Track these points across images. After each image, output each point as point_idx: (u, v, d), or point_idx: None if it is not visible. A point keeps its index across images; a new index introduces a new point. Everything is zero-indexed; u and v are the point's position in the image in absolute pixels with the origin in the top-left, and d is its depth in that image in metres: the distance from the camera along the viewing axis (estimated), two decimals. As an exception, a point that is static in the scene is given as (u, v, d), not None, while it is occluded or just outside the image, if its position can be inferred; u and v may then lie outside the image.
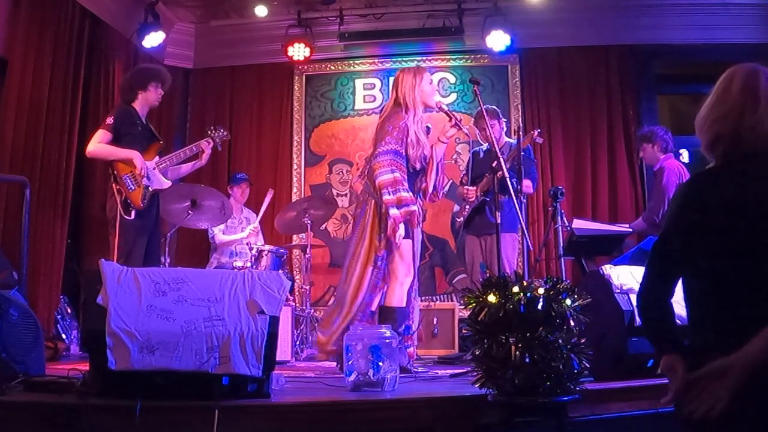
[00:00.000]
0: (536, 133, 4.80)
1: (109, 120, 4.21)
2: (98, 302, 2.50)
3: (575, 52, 6.41)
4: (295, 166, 6.69)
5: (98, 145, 4.16)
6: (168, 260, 4.85)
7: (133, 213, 4.11)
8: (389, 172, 3.53)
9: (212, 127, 4.70)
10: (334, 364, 3.73)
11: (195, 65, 6.90)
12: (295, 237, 6.30)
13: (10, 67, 4.80)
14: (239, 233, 5.61)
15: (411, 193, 3.58)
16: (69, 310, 5.02)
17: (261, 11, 6.29)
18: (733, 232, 1.52)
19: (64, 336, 4.82)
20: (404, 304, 3.63)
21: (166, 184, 4.33)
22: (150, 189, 4.21)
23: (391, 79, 6.62)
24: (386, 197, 3.51)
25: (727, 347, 1.46)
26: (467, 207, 4.95)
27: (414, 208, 3.55)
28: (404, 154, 3.60)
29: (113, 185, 4.14)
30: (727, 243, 1.53)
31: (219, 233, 5.58)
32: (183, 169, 4.56)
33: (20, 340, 2.74)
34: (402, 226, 3.52)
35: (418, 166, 3.68)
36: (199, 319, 2.50)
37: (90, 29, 5.48)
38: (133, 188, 4.13)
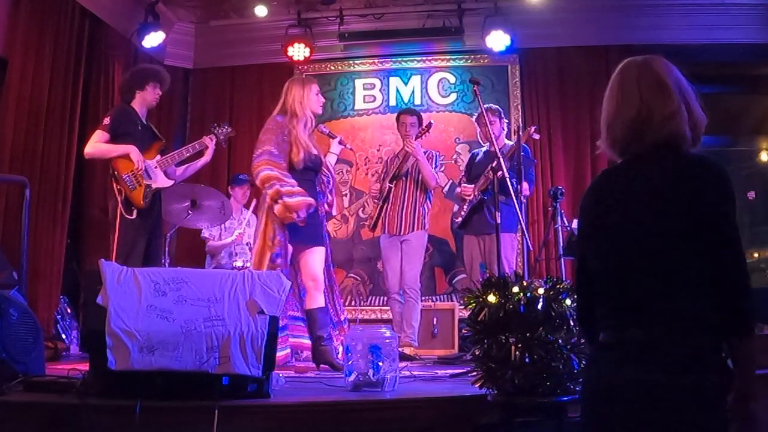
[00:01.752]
0: (533, 129, 4.79)
1: (106, 120, 4.22)
2: (98, 302, 2.50)
3: (575, 52, 6.40)
4: (294, 166, 6.68)
5: (95, 145, 4.17)
6: (168, 260, 4.84)
7: (134, 212, 4.11)
8: (266, 170, 3.83)
9: (216, 124, 4.70)
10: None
11: (195, 65, 6.90)
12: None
13: (10, 67, 4.80)
14: (227, 238, 5.51)
15: (291, 186, 3.79)
16: (69, 310, 5.01)
17: (261, 11, 6.29)
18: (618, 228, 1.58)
19: (64, 336, 4.82)
20: (323, 305, 3.91)
21: (168, 182, 4.33)
22: (152, 187, 4.21)
23: (392, 79, 6.70)
24: (269, 191, 3.80)
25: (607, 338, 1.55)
26: (465, 206, 4.95)
27: (301, 199, 3.77)
28: (278, 153, 3.87)
29: (114, 185, 4.14)
30: (609, 240, 1.60)
31: (211, 240, 5.49)
32: (189, 169, 4.55)
33: (20, 340, 2.74)
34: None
35: (302, 166, 3.93)
36: (199, 319, 2.51)
37: (90, 29, 5.47)
38: (134, 187, 4.13)
